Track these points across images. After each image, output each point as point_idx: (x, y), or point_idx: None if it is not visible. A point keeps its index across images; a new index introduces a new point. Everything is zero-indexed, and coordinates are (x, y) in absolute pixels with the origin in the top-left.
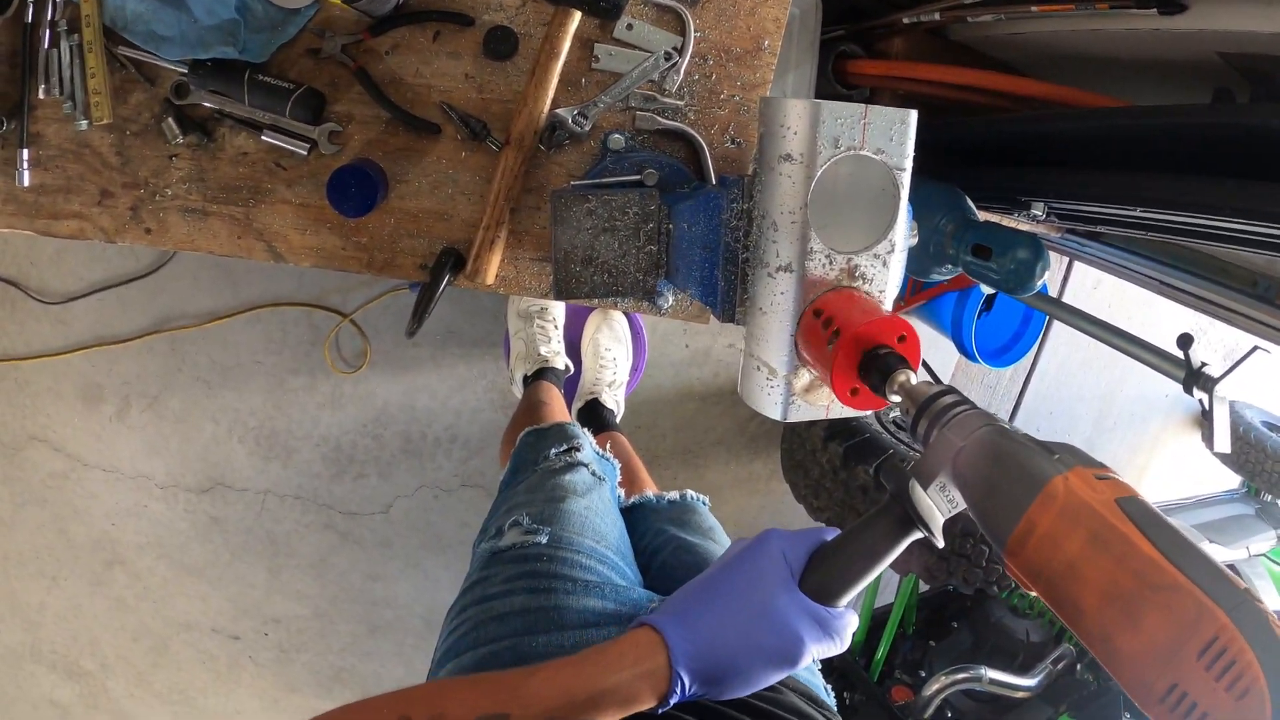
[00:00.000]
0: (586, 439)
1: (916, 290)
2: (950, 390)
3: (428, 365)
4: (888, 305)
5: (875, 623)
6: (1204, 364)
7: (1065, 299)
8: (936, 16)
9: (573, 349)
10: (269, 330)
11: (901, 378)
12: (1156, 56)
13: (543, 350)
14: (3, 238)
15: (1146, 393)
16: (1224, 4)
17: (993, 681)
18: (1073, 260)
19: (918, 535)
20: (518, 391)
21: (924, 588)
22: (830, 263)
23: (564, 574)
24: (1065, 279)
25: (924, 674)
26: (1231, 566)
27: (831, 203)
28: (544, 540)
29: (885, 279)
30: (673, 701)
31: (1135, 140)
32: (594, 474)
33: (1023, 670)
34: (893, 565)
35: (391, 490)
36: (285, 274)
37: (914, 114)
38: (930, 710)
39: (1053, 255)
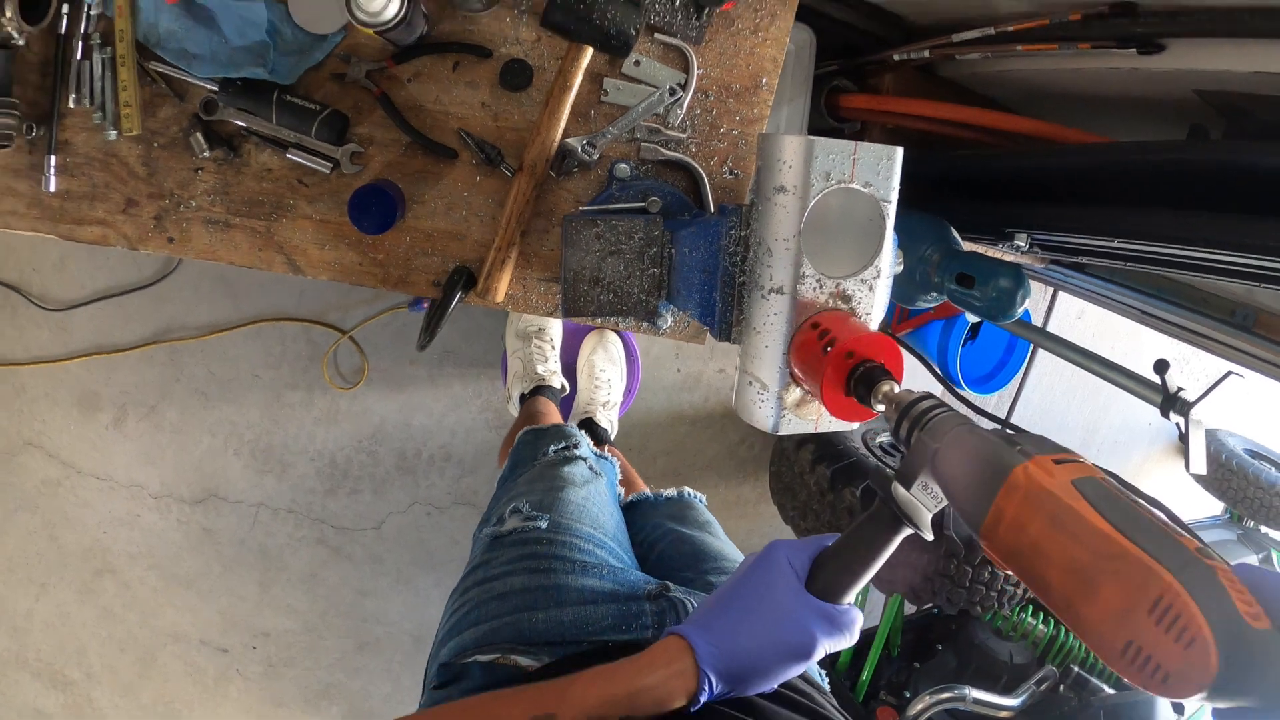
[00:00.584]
0: (584, 439)
1: (904, 318)
2: (928, 396)
3: (424, 384)
4: (874, 326)
5: (860, 645)
6: (1180, 388)
7: (1050, 328)
8: (926, 54)
9: (568, 370)
10: (268, 345)
11: (885, 388)
12: (1136, 94)
13: (540, 369)
14: (6, 243)
15: (1129, 421)
16: (1200, 44)
17: (977, 701)
18: (1057, 290)
19: (908, 532)
20: (514, 410)
21: (909, 610)
22: (820, 286)
23: (563, 555)
24: (1050, 308)
25: (909, 695)
26: None
27: (823, 231)
28: (544, 525)
29: (872, 302)
30: (702, 699)
31: (1114, 174)
32: (591, 469)
33: (1006, 691)
34: (878, 586)
35: (385, 507)
36: (286, 289)
37: (900, 151)
38: None
39: (1037, 285)
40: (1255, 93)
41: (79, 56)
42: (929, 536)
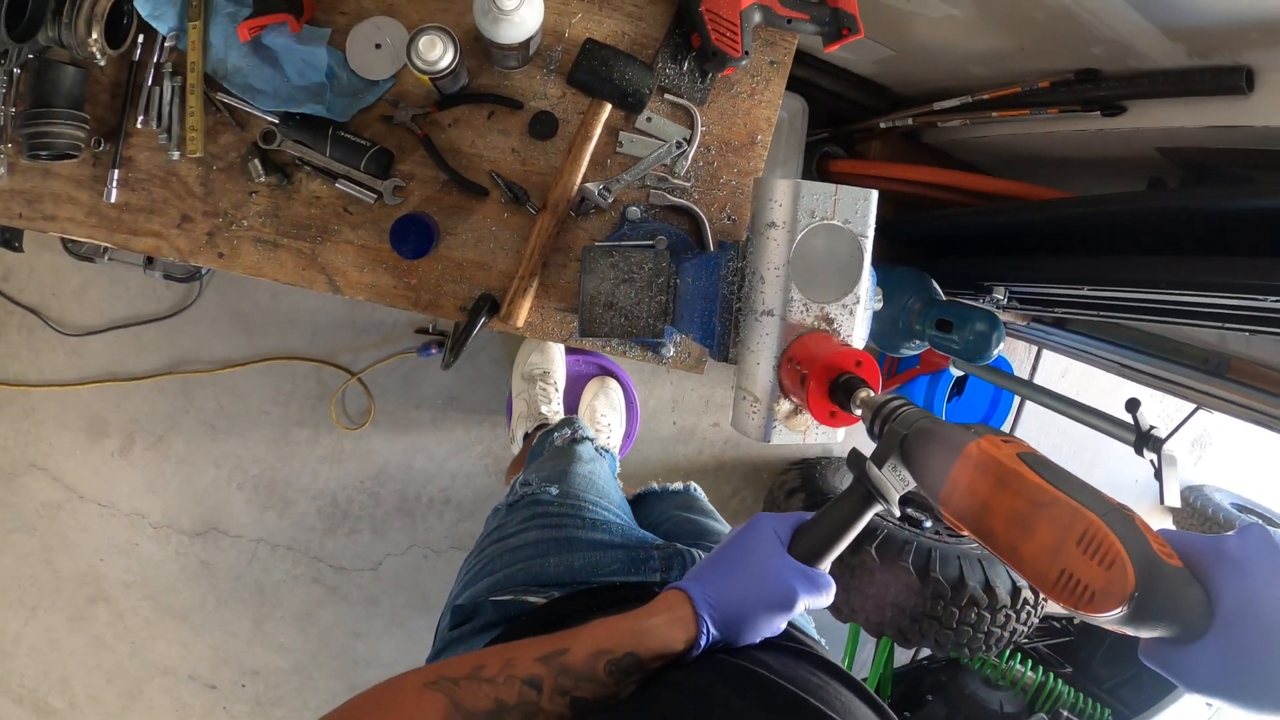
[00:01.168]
0: (589, 430)
1: (891, 374)
2: (897, 396)
3: (428, 428)
4: (856, 345)
5: None
6: (1152, 427)
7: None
8: (910, 122)
9: (570, 414)
10: (279, 382)
11: (862, 394)
12: (1104, 154)
13: (543, 409)
14: (30, 266)
15: (1115, 478)
16: (1158, 104)
17: None
18: (1041, 349)
19: (879, 507)
20: (516, 450)
21: (899, 662)
22: (807, 310)
23: (573, 514)
24: (1035, 367)
25: None
26: None
27: (809, 262)
28: (554, 492)
29: (852, 325)
30: (702, 643)
31: (1082, 227)
32: (596, 450)
33: None
34: (867, 629)
35: (383, 548)
36: (300, 329)
37: (874, 193)
38: None
39: (1022, 345)
40: (1210, 146)
41: (150, 82)
42: (896, 511)
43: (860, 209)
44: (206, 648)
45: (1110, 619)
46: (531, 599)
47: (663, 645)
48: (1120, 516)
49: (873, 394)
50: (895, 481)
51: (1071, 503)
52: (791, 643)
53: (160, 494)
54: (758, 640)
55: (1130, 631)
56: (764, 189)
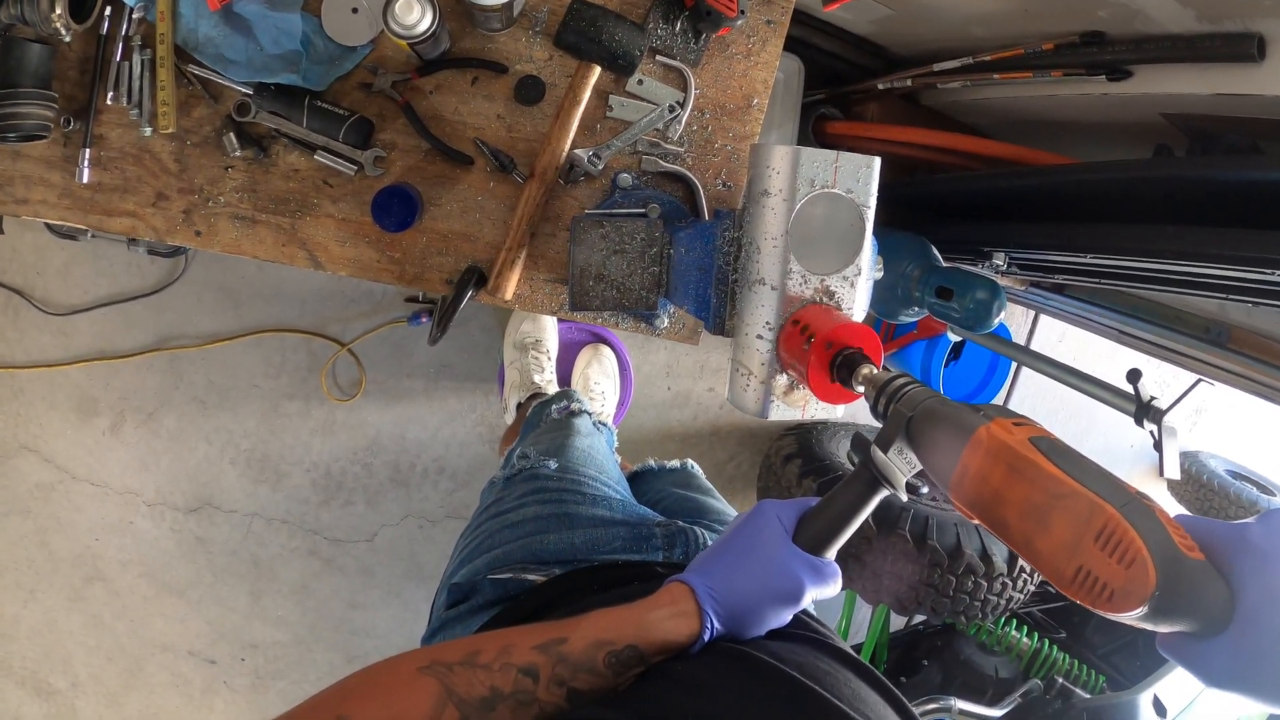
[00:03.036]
0: (586, 401)
1: (888, 339)
2: (902, 374)
3: (420, 397)
4: (857, 318)
5: None
6: (1153, 398)
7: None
8: (909, 83)
9: (564, 382)
10: (268, 355)
11: (865, 371)
12: (1107, 119)
13: (536, 379)
14: (11, 247)
15: (1111, 444)
16: (1164, 70)
17: (962, 713)
18: (1038, 314)
19: (885, 492)
20: (510, 420)
21: (895, 626)
22: (806, 282)
23: (573, 489)
24: (1032, 332)
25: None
26: None
27: (808, 232)
28: (553, 466)
29: (853, 298)
30: (705, 637)
31: (1085, 193)
32: (595, 424)
33: (991, 704)
34: (864, 596)
35: (378, 519)
36: (288, 301)
37: (877, 160)
38: None
39: (1020, 310)
40: (1217, 114)
41: (119, 57)
42: (904, 497)
43: (863, 177)
44: (204, 623)
45: (1130, 618)
46: (531, 576)
47: (665, 639)
48: (1140, 508)
49: (876, 371)
50: (902, 465)
51: (1089, 494)
52: (800, 629)
53: (153, 471)
54: (764, 632)
55: (1149, 627)
56: (761, 156)
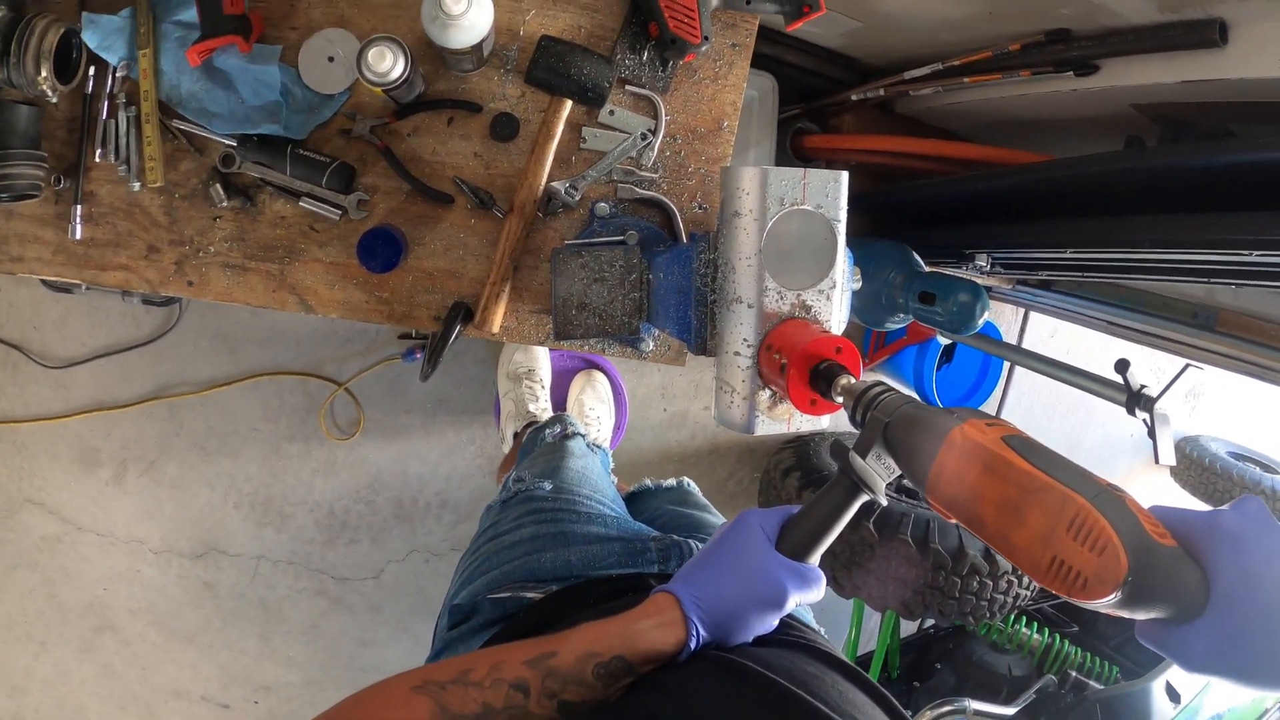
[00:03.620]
0: (580, 424)
1: (879, 347)
2: (879, 383)
3: (419, 433)
4: (835, 330)
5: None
6: (1143, 386)
7: (1025, 347)
8: (882, 93)
9: (558, 409)
10: (266, 398)
11: (843, 381)
12: (1079, 114)
13: (531, 408)
14: (8, 301)
15: (1111, 435)
16: (1131, 61)
17: (977, 713)
18: (1028, 311)
19: (865, 498)
20: (507, 450)
21: (905, 632)
22: (782, 298)
23: (568, 509)
24: (1023, 329)
25: (910, 715)
26: None
27: (782, 249)
28: (548, 487)
29: (830, 310)
30: (692, 645)
31: (1062, 190)
32: (589, 446)
33: (1006, 703)
34: (870, 603)
35: (383, 555)
36: (283, 344)
37: (844, 174)
38: None
39: (1009, 308)
40: (1187, 101)
41: (105, 115)
42: (883, 501)
43: (831, 192)
44: (216, 668)
45: (1104, 604)
46: (529, 594)
47: (651, 648)
48: (1110, 498)
49: (854, 380)
50: (881, 471)
51: (1060, 487)
52: (789, 634)
53: (157, 519)
54: (750, 639)
55: (1126, 614)
56: (731, 178)
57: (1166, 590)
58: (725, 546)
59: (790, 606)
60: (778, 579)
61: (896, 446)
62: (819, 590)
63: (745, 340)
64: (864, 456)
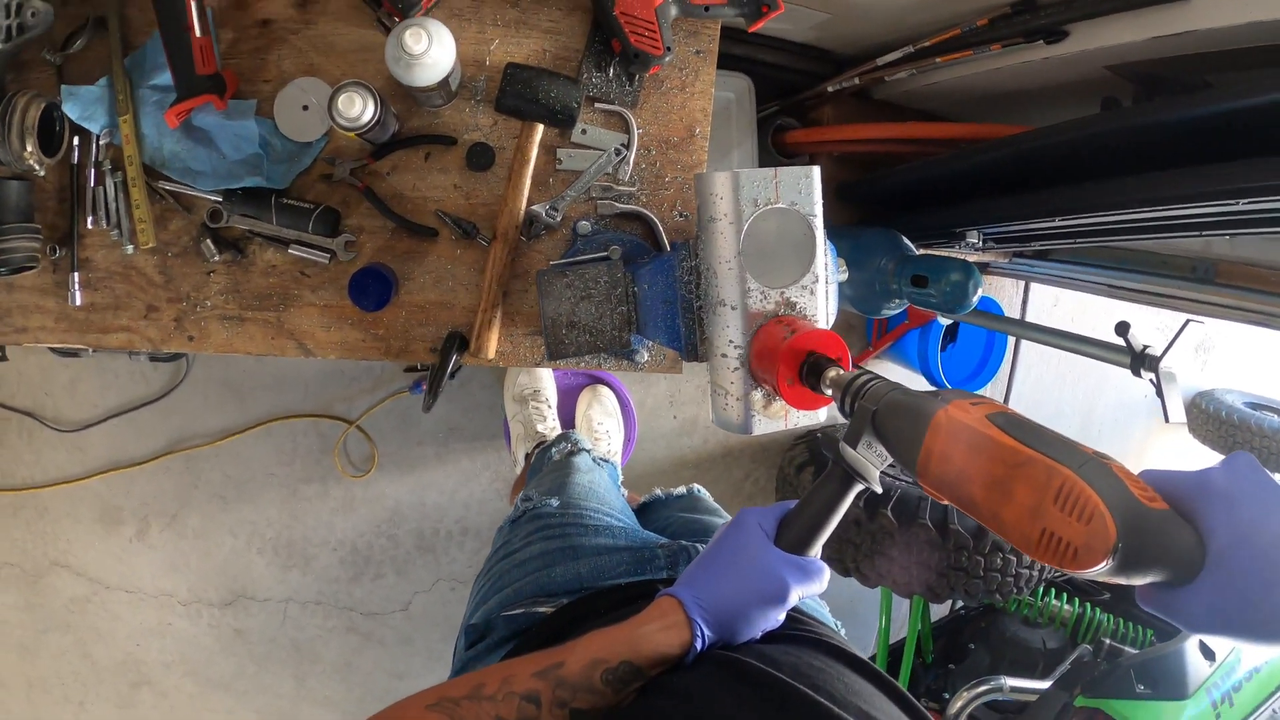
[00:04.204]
0: (586, 440)
1: (882, 334)
2: (865, 372)
3: (433, 463)
4: (822, 324)
5: (893, 658)
6: (1146, 346)
7: (1029, 319)
8: (856, 81)
9: (567, 427)
10: (279, 442)
11: (831, 373)
12: (1054, 81)
13: (540, 428)
14: (18, 370)
15: (1125, 398)
16: (1099, 24)
17: (1014, 689)
18: (1028, 283)
19: (860, 487)
20: (519, 471)
21: (936, 616)
22: (766, 297)
23: (575, 523)
24: (1024, 301)
25: (948, 697)
26: None
27: (762, 248)
28: (555, 504)
29: (815, 305)
30: (698, 646)
31: (1044, 159)
32: (595, 461)
33: (1044, 677)
34: (896, 590)
35: (410, 587)
36: (291, 387)
37: (816, 169)
38: None
39: (1009, 281)
40: (1159, 57)
41: (93, 182)
42: (878, 489)
43: (804, 187)
44: (253, 713)
45: (1098, 572)
46: (541, 609)
47: (657, 651)
48: (1097, 467)
49: (841, 372)
50: (873, 459)
51: (1045, 460)
52: (796, 629)
53: (183, 571)
54: (758, 635)
55: (1123, 581)
56: (704, 184)
57: (1160, 553)
58: (725, 546)
59: (794, 600)
60: (778, 574)
61: (885, 433)
62: (821, 582)
63: (733, 342)
64: (854, 446)
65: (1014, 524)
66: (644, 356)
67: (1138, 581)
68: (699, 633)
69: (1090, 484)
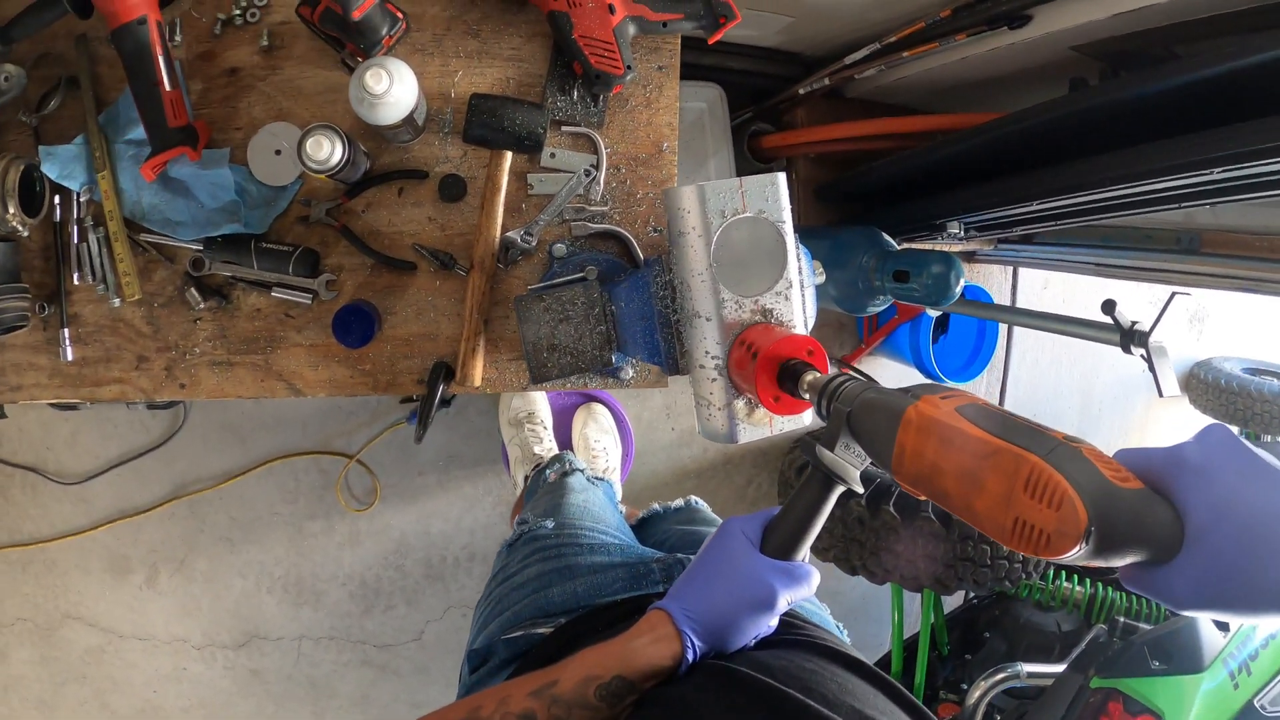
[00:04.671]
0: (579, 461)
1: (872, 330)
2: (840, 374)
3: (436, 491)
4: (800, 329)
5: (909, 653)
6: (1135, 322)
7: (1019, 304)
8: (826, 81)
9: (564, 447)
10: (282, 481)
11: (808, 378)
12: (1022, 66)
13: (537, 450)
14: (18, 427)
15: (1122, 376)
16: (1060, 5)
17: (1031, 675)
18: (1016, 268)
19: (841, 489)
20: (519, 493)
21: (949, 607)
22: (740, 306)
23: (570, 543)
24: (1014, 287)
25: (966, 688)
26: None
27: (734, 258)
28: (550, 525)
29: (791, 311)
30: (689, 657)
31: (1017, 144)
32: (589, 480)
33: (1061, 660)
34: (905, 585)
35: (421, 616)
36: (290, 426)
37: (781, 175)
38: (978, 718)
39: (996, 268)
40: (1124, 33)
41: (76, 239)
42: (858, 489)
43: (770, 195)
44: None
45: (1073, 557)
46: (540, 630)
47: (649, 664)
48: (1066, 451)
49: (817, 375)
50: (852, 460)
51: (1012, 449)
52: (790, 634)
53: (195, 616)
54: (750, 642)
55: (1102, 563)
56: (672, 199)
57: (1136, 533)
58: (710, 556)
59: (783, 606)
60: (765, 580)
61: (860, 434)
62: (809, 586)
63: (710, 354)
64: (832, 448)
65: (987, 514)
66: (629, 373)
67: (1117, 563)
68: (689, 644)
69: (1058, 469)
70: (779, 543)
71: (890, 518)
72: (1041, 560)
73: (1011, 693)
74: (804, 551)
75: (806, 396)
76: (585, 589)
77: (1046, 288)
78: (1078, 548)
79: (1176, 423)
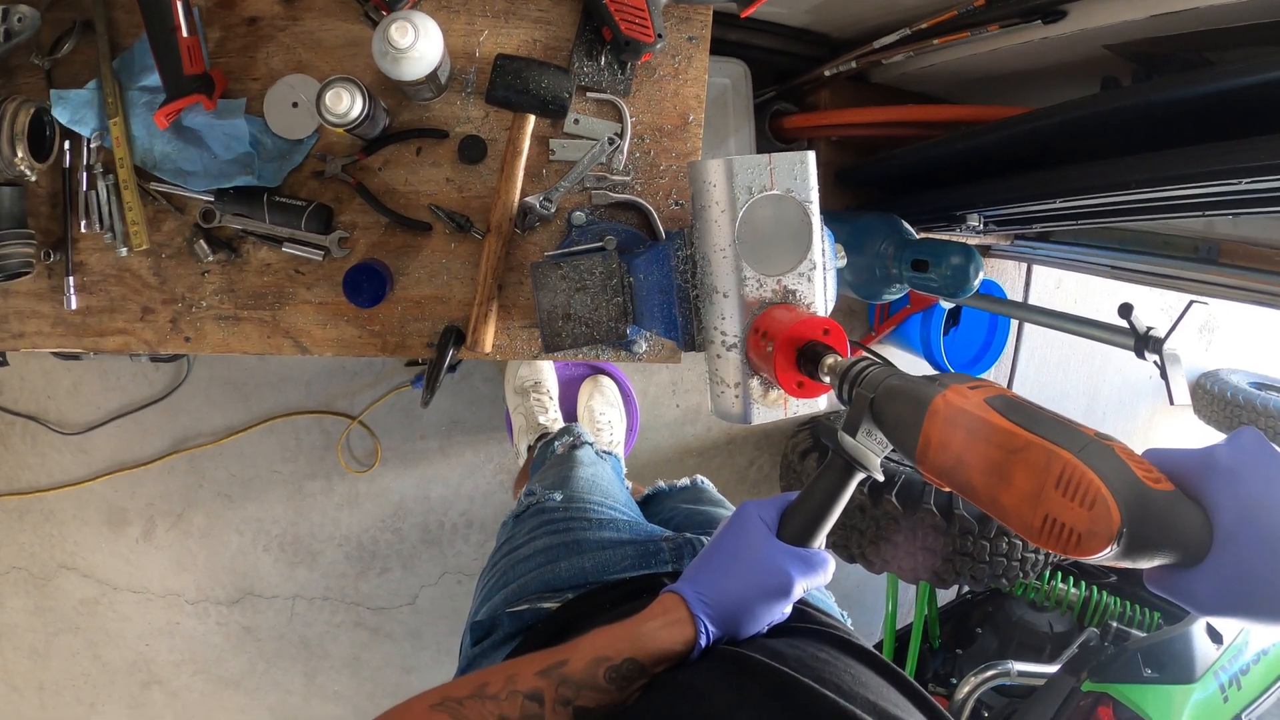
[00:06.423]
0: (589, 434)
1: (884, 319)
2: (863, 358)
3: (437, 456)
4: (821, 311)
5: (900, 643)
6: (1150, 328)
7: (1032, 301)
8: (853, 65)
9: (569, 419)
10: (283, 440)
11: (829, 361)
12: (1053, 62)
13: (542, 420)
14: (20, 375)
15: (1129, 379)
16: (1097, 2)
17: (1021, 674)
18: (1031, 265)
19: (861, 475)
20: (522, 463)
21: (943, 600)
22: (762, 285)
23: (579, 517)
24: (1027, 283)
25: (955, 682)
26: None
27: (758, 236)
28: (558, 498)
29: (812, 292)
30: (702, 642)
31: (1043, 140)
32: (598, 453)
33: (1052, 660)
34: (902, 576)
35: (416, 581)
36: (293, 384)
37: (811, 154)
38: (965, 713)
39: (1011, 264)
40: (1158, 35)
41: (85, 186)
42: (879, 477)
43: (799, 173)
44: (265, 710)
45: (1103, 558)
46: (546, 605)
47: (661, 648)
48: (1098, 449)
49: (839, 359)
50: (873, 446)
51: (1045, 444)
52: (803, 622)
53: (190, 570)
54: (763, 629)
55: (1130, 565)
56: (698, 172)
57: (1166, 536)
58: (727, 540)
59: (798, 593)
60: (782, 567)
61: (884, 420)
62: (826, 574)
63: (730, 331)
64: (854, 434)
65: (1015, 510)
66: (642, 347)
67: (1144, 565)
68: (703, 629)
69: (1092, 467)
70: (796, 529)
71: (892, 507)
72: (1041, 560)
73: (1001, 690)
74: (821, 538)
75: (827, 380)
76: (593, 565)
77: (1059, 287)
78: (1109, 548)
79: (1180, 431)
